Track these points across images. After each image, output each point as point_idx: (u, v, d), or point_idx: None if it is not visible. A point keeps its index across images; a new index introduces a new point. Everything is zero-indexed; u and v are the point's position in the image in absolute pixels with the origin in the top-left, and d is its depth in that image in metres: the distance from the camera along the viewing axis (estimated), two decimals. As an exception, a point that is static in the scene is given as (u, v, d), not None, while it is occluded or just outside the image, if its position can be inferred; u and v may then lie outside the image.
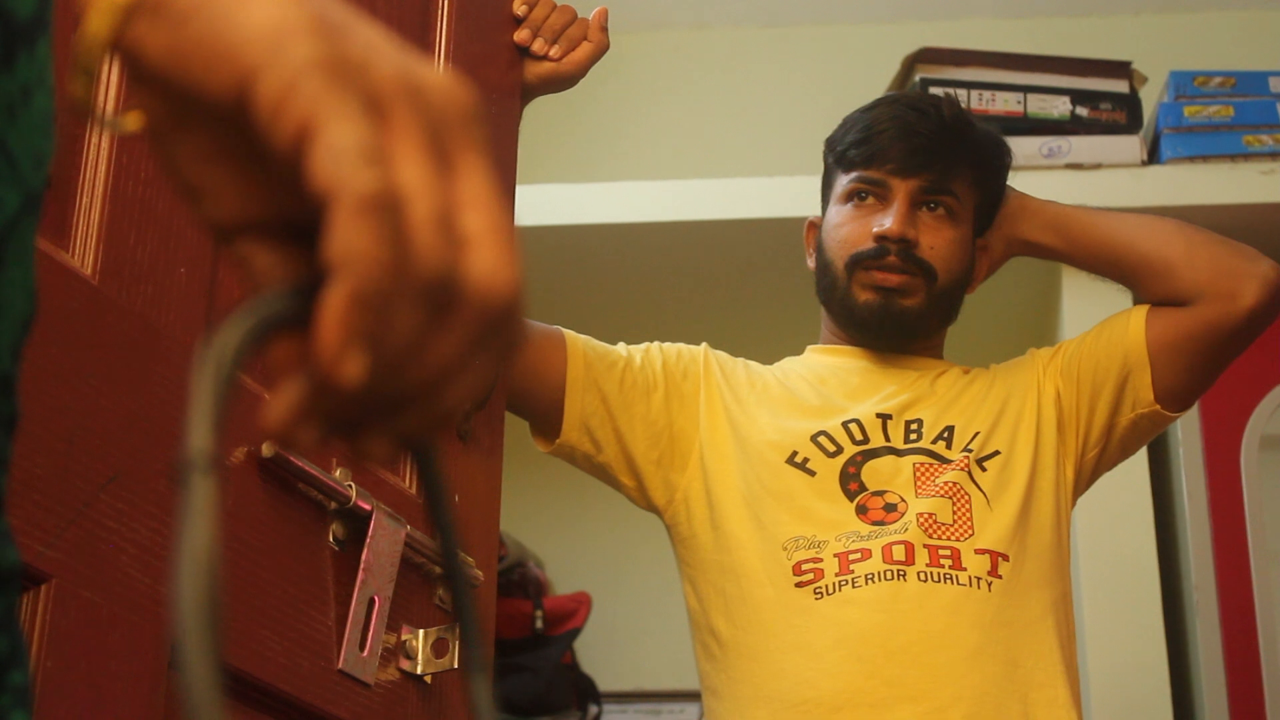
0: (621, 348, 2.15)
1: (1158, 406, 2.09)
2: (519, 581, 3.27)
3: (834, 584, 1.94)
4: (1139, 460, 3.06)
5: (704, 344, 2.21)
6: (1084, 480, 2.15)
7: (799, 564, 1.97)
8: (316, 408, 0.56)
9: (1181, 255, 2.10)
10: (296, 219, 0.60)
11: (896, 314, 2.10)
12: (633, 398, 2.10)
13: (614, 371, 2.10)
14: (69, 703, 1.18)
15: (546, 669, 3.18)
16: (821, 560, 1.96)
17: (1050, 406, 2.12)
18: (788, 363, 2.25)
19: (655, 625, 3.43)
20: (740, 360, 2.21)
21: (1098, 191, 3.13)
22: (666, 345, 2.18)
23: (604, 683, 3.39)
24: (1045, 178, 3.13)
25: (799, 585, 1.96)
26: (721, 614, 2.03)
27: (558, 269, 3.44)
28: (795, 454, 2.05)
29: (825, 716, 1.91)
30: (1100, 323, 2.17)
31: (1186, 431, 3.05)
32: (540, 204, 3.24)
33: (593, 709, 3.31)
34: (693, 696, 2.98)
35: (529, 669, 3.16)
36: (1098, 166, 3.24)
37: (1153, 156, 3.28)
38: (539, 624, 3.23)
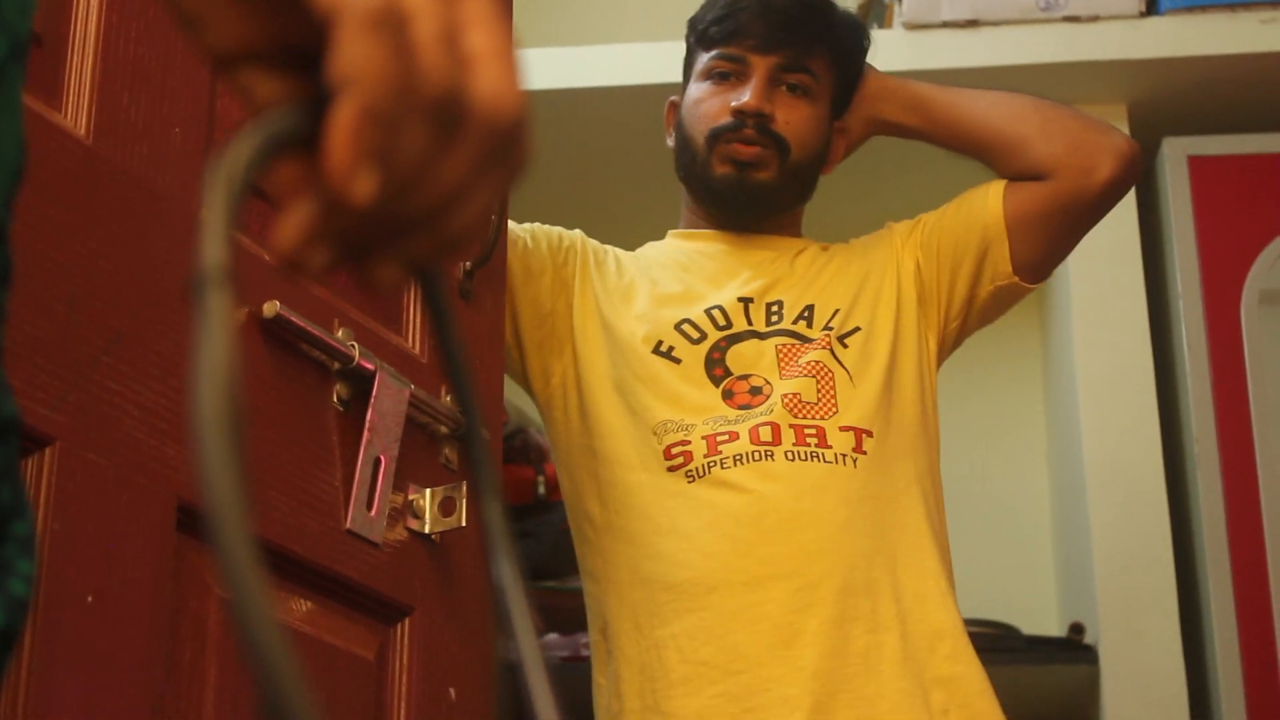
0: (514, 226, 2.15)
1: (1016, 279, 2.14)
2: (520, 448, 3.27)
3: (704, 466, 1.97)
4: (1139, 314, 3.06)
5: (578, 230, 2.22)
6: (946, 350, 2.19)
7: (669, 448, 1.99)
8: (327, 228, 0.56)
9: (1036, 130, 2.14)
10: (298, 46, 0.59)
11: (750, 188, 2.12)
12: (526, 279, 2.11)
13: (515, 248, 2.10)
14: (77, 565, 1.18)
15: (549, 534, 3.19)
16: (690, 443, 1.98)
17: (910, 280, 2.15)
18: (649, 249, 2.26)
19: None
20: (610, 249, 2.22)
21: (1095, 44, 3.10)
22: (550, 228, 2.19)
23: (607, 548, 3.40)
24: (1042, 31, 3.09)
25: (671, 469, 1.98)
26: (595, 498, 2.05)
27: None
28: (661, 343, 2.07)
29: (700, 597, 1.93)
30: (959, 196, 2.20)
31: (1186, 286, 3.05)
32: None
33: (597, 574, 3.32)
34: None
35: (531, 534, 3.17)
36: (1095, 19, 3.20)
37: (1151, 7, 3.24)
38: (541, 490, 3.24)
